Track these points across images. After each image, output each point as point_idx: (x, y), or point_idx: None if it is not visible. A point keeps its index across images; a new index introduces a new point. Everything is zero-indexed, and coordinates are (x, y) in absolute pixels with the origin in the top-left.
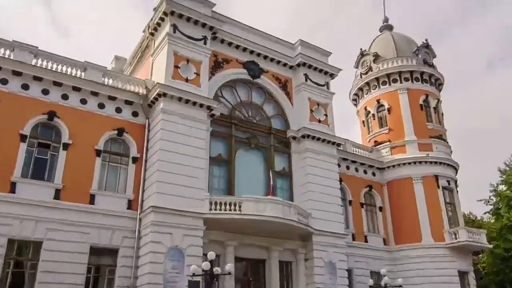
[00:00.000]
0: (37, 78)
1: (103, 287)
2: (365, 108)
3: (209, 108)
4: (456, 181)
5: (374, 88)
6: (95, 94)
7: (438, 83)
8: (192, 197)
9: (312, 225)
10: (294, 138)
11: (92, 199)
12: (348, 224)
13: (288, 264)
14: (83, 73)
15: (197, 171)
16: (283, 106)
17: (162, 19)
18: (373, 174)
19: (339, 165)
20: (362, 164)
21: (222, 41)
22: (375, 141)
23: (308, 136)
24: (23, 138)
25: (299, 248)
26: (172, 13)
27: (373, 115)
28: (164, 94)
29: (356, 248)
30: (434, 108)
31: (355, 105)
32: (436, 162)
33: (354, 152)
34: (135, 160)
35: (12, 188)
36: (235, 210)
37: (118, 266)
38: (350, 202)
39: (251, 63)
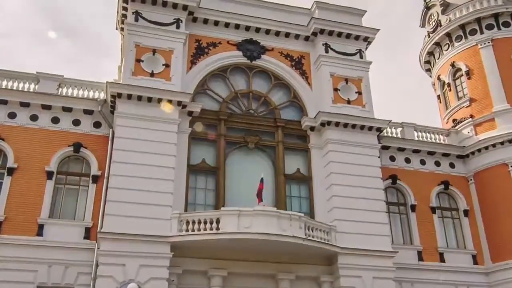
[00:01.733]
0: None
1: None
2: (439, 78)
3: (181, 104)
4: None
5: (446, 48)
6: (47, 107)
7: None
8: (156, 217)
9: (338, 242)
10: (312, 128)
11: (40, 230)
12: (410, 238)
13: None
14: (36, 86)
15: (162, 184)
16: (298, 90)
17: (125, 8)
18: (452, 165)
19: (393, 159)
20: (431, 153)
21: (206, 21)
22: (453, 120)
23: (329, 123)
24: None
25: (321, 276)
26: None
27: (448, 84)
28: (119, 95)
29: (424, 271)
30: None
31: (431, 77)
32: None
33: (420, 139)
34: (95, 179)
35: None
36: (211, 229)
37: None
38: (413, 207)
39: (248, 42)
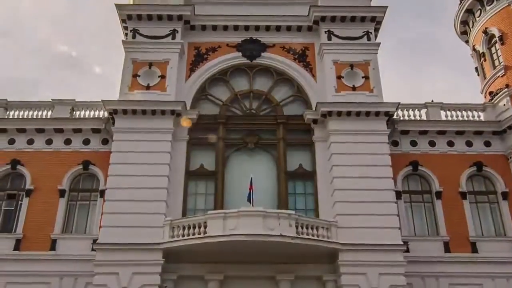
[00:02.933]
0: (3, 130)
1: None
2: (474, 48)
3: (174, 113)
4: None
5: (478, 15)
6: (60, 131)
7: None
8: (149, 225)
9: (340, 238)
10: (315, 121)
11: (53, 245)
12: (436, 229)
13: None
14: (49, 112)
15: (156, 193)
16: (301, 83)
17: (126, 27)
18: (487, 143)
19: (414, 143)
20: (460, 133)
21: (203, 27)
22: (489, 93)
23: (331, 113)
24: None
25: (324, 275)
26: (130, 17)
27: (483, 54)
28: (115, 111)
29: (452, 263)
30: None
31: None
32: None
33: (449, 118)
34: (102, 193)
35: None
36: (199, 233)
37: None
38: (438, 194)
39: (248, 41)
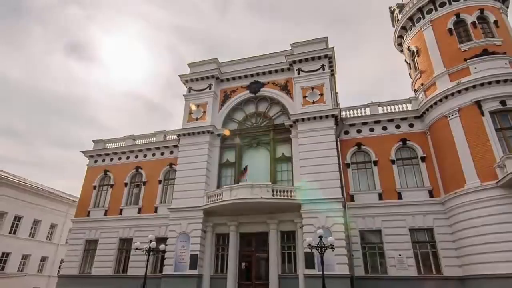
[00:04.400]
0: (132, 151)
1: None
2: (405, 60)
3: (210, 132)
4: None
5: (404, 38)
6: (158, 148)
7: None
8: (196, 196)
9: (303, 196)
10: (291, 126)
11: (155, 209)
12: (374, 185)
13: (290, 234)
14: (154, 139)
15: (199, 178)
16: (285, 104)
17: (185, 85)
18: (411, 125)
19: (359, 131)
20: (390, 120)
21: (228, 79)
22: (414, 90)
23: (297, 120)
24: (125, 184)
25: (295, 219)
26: (186, 81)
27: (409, 65)
28: (178, 136)
29: (383, 207)
30: (475, 22)
31: None
32: (474, 86)
33: (384, 111)
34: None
35: (121, 212)
36: (218, 199)
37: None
38: (375, 162)
39: (253, 83)
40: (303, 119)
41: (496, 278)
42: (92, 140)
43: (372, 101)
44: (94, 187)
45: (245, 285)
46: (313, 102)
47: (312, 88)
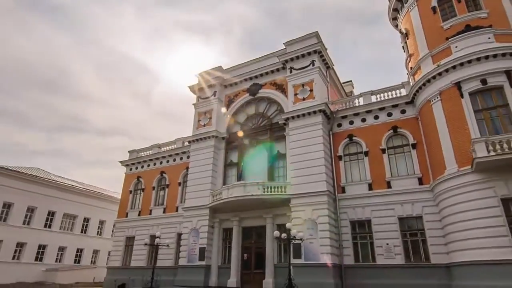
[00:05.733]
0: (157, 158)
1: None
2: (403, 48)
3: (214, 136)
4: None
5: (398, 20)
6: (177, 154)
7: None
8: (203, 196)
9: (292, 191)
10: (284, 124)
11: (150, 212)
12: (365, 176)
13: (284, 226)
14: (174, 146)
15: (205, 177)
16: (281, 103)
17: (195, 94)
18: (403, 111)
19: (352, 122)
20: (381, 109)
21: (231, 84)
22: (407, 74)
23: (288, 118)
24: (153, 188)
25: (287, 212)
26: (195, 91)
27: (403, 47)
28: (189, 141)
29: (373, 197)
30: None
31: None
32: (454, 67)
33: (379, 100)
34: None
35: (150, 212)
36: (219, 198)
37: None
38: (366, 153)
39: (253, 85)
40: (293, 117)
41: (477, 265)
42: (128, 151)
43: (361, 92)
44: (130, 191)
45: (246, 274)
46: (303, 99)
47: (303, 85)
